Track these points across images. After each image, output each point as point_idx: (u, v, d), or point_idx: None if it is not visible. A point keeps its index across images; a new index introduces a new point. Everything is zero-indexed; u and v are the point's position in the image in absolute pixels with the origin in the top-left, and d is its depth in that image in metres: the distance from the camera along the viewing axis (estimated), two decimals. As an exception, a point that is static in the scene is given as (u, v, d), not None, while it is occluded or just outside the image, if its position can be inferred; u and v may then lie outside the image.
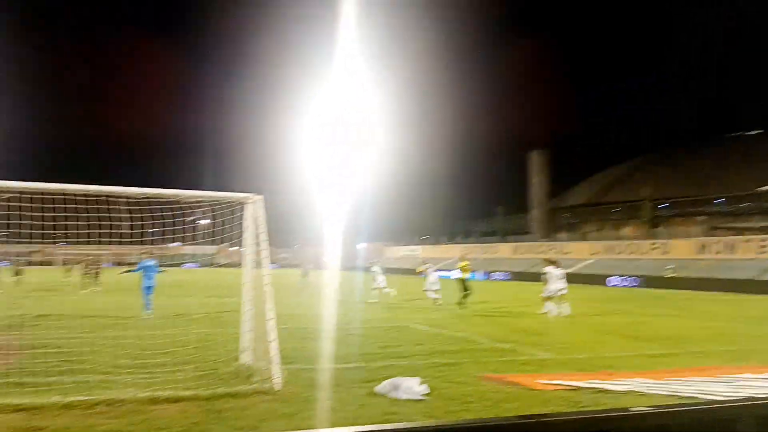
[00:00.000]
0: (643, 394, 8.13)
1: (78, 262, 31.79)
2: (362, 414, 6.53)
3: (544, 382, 8.73)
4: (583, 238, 71.41)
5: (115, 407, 6.40)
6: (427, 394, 7.42)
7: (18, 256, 35.03)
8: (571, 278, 53.47)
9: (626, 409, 3.56)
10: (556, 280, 19.36)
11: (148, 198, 8.06)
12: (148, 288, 16.91)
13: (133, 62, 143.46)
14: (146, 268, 17.02)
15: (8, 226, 7.85)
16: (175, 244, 10.68)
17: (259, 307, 8.22)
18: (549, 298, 19.13)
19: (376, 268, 25.36)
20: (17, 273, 30.80)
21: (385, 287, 24.49)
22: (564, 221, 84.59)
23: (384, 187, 71.83)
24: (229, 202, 8.60)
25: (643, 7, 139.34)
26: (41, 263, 52.55)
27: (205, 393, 7.02)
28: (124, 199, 7.88)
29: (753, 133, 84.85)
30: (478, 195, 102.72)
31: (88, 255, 30.25)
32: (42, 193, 7.44)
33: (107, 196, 7.72)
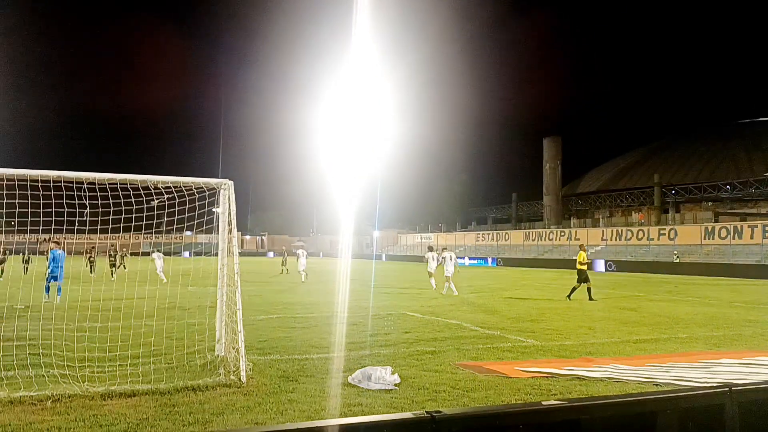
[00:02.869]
0: (617, 381, 7.90)
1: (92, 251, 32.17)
2: (324, 406, 6.34)
3: (521, 369, 8.53)
4: (594, 224, 70.59)
5: (64, 402, 6.19)
6: (399, 384, 7.27)
7: (29, 244, 35.16)
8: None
9: (539, 403, 3.43)
10: (450, 264, 21.60)
11: (128, 184, 7.55)
12: (54, 277, 16.45)
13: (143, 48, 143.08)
14: (54, 258, 16.60)
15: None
16: (188, 233, 10.30)
17: (231, 297, 8.01)
18: (447, 279, 21.29)
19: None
20: (26, 261, 30.71)
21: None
22: (575, 208, 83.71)
23: (399, 176, 71.54)
24: (201, 188, 8.18)
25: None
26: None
27: (165, 387, 6.78)
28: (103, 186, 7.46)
29: (761, 119, 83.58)
30: (493, 182, 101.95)
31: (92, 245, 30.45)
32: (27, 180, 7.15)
33: (75, 181, 7.23)
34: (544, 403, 3.08)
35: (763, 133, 75.99)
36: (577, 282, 20.05)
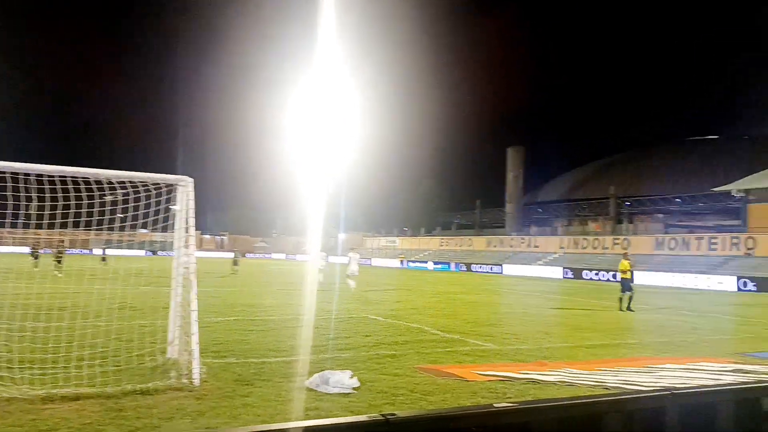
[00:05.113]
0: (569, 385, 8.04)
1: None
2: (280, 410, 6.18)
3: (478, 373, 8.62)
4: (553, 232, 71.78)
5: (0, 406, 5.84)
6: (358, 388, 7.24)
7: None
8: (541, 271, 53.78)
9: (491, 406, 3.48)
10: (354, 263, 22.90)
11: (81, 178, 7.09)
12: None
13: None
14: None
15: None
16: (143, 230, 9.70)
17: (185, 297, 7.70)
18: (349, 277, 22.40)
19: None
20: None
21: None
22: (536, 216, 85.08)
23: (366, 178, 71.42)
24: (158, 185, 7.72)
25: (614, 15, 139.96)
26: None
27: (112, 390, 6.42)
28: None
29: (709, 137, 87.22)
30: (458, 188, 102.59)
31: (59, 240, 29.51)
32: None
33: (21, 173, 6.80)
34: (496, 405, 3.12)
35: (711, 151, 78.91)
36: (622, 292, 19.33)
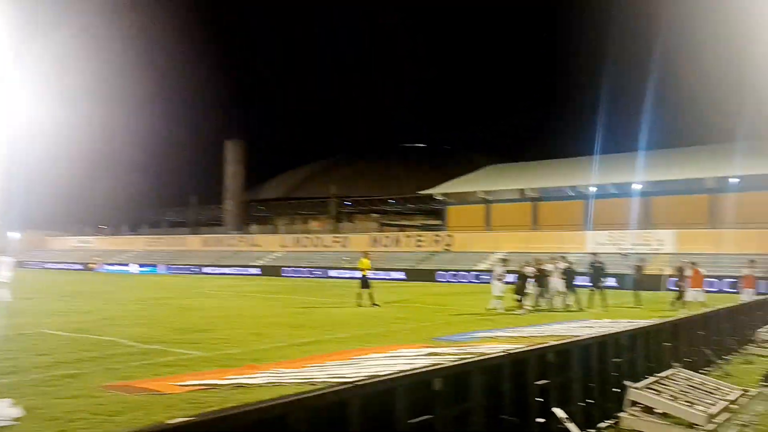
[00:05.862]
0: (278, 385, 8.08)
1: None
2: None
3: (178, 384, 8.14)
4: (275, 231, 73.17)
5: None
6: (20, 418, 6.17)
7: None
8: (263, 271, 54.13)
9: (164, 424, 3.22)
10: (5, 268, 19.53)
11: None
12: None
13: None
14: None
15: None
16: None
17: None
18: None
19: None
20: None
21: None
22: (257, 214, 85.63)
23: (51, 169, 62.91)
24: None
25: (341, 19, 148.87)
26: None
27: None
28: None
29: (418, 145, 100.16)
30: (169, 182, 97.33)
31: None
32: None
33: None
34: (170, 422, 2.88)
35: (420, 158, 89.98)
36: (361, 288, 20.17)
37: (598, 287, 20.56)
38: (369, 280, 20.65)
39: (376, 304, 19.86)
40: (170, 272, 58.16)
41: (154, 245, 70.41)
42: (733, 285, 29.61)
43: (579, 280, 20.76)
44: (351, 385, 3.20)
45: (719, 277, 31.54)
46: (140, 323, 15.23)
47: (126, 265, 62.98)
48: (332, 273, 49.07)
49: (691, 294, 19.58)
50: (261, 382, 8.28)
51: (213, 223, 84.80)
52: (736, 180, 39.75)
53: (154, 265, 60.75)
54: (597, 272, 20.88)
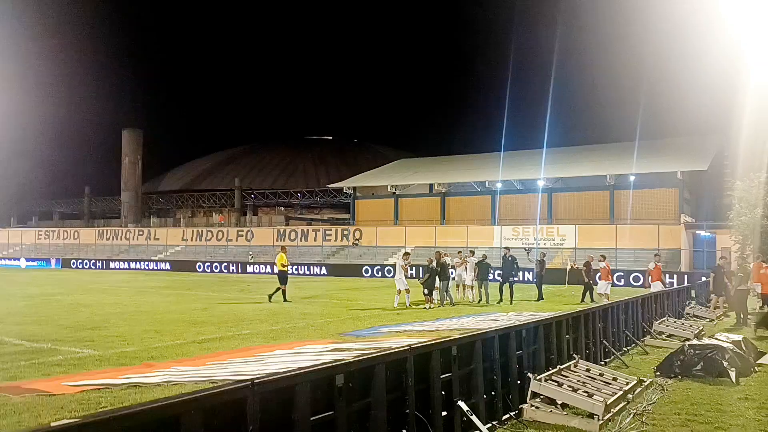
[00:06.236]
0: (176, 384, 7.84)
1: None
2: None
3: (69, 384, 7.73)
4: (176, 224, 70.88)
5: None
6: None
7: None
8: (163, 265, 52.48)
9: (48, 426, 3.06)
10: None
11: None
12: None
13: None
14: None
15: None
16: None
17: None
18: None
19: None
20: None
21: None
22: (157, 206, 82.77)
23: None
24: None
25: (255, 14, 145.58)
26: None
27: None
28: None
29: (325, 138, 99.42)
30: (62, 172, 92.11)
31: None
32: None
33: None
34: (53, 424, 2.73)
35: (327, 150, 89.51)
36: (280, 283, 20.10)
37: (509, 281, 21.29)
38: (287, 276, 20.79)
39: (288, 300, 19.98)
40: (63, 267, 55.09)
41: (45, 238, 66.30)
42: (636, 279, 31.77)
43: (491, 274, 21.50)
44: (249, 382, 3.15)
45: (622, 271, 33.67)
46: (29, 320, 14.40)
47: (17, 259, 59.35)
48: (236, 268, 48.17)
49: (602, 286, 20.70)
50: (158, 381, 8.01)
51: (109, 216, 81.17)
52: (633, 177, 42.38)
53: (47, 259, 57.41)
54: (508, 266, 21.58)
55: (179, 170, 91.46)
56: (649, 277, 20.15)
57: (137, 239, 62.04)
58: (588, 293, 21.25)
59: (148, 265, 53.31)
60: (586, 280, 21.61)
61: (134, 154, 75.21)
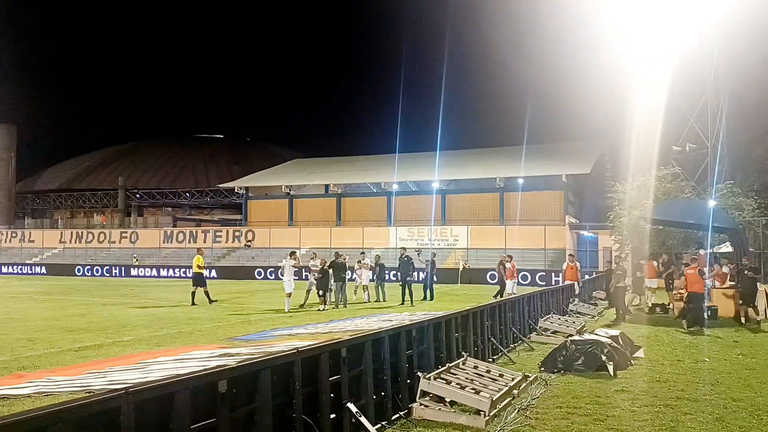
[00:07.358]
0: (48, 394, 7.40)
1: None
2: None
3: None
4: (53, 225, 66.57)
5: None
6: None
7: None
8: (38, 269, 49.12)
9: None
10: None
11: None
12: None
13: None
14: None
15: None
16: None
17: None
18: None
19: None
20: None
21: None
22: (32, 207, 77.56)
23: None
24: None
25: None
26: None
27: None
28: None
29: (216, 136, 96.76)
30: None
31: None
32: None
33: None
34: None
35: (217, 149, 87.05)
36: (194, 286, 19.94)
37: (406, 281, 21.58)
38: (205, 278, 20.78)
39: (213, 300, 20.03)
40: None
41: None
42: (524, 278, 33.15)
43: (386, 275, 21.87)
44: (123, 391, 3.01)
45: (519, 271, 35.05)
46: None
47: None
48: (119, 271, 45.91)
49: (508, 285, 21.41)
50: (29, 392, 7.54)
51: (-24, 216, 74.91)
52: (521, 180, 44.38)
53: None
54: (405, 267, 21.90)
55: (58, 168, 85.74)
56: (563, 277, 21.24)
57: (10, 242, 57.85)
58: (500, 291, 21.91)
59: (21, 269, 49.85)
60: (502, 279, 22.25)
61: (7, 151, 70.43)
